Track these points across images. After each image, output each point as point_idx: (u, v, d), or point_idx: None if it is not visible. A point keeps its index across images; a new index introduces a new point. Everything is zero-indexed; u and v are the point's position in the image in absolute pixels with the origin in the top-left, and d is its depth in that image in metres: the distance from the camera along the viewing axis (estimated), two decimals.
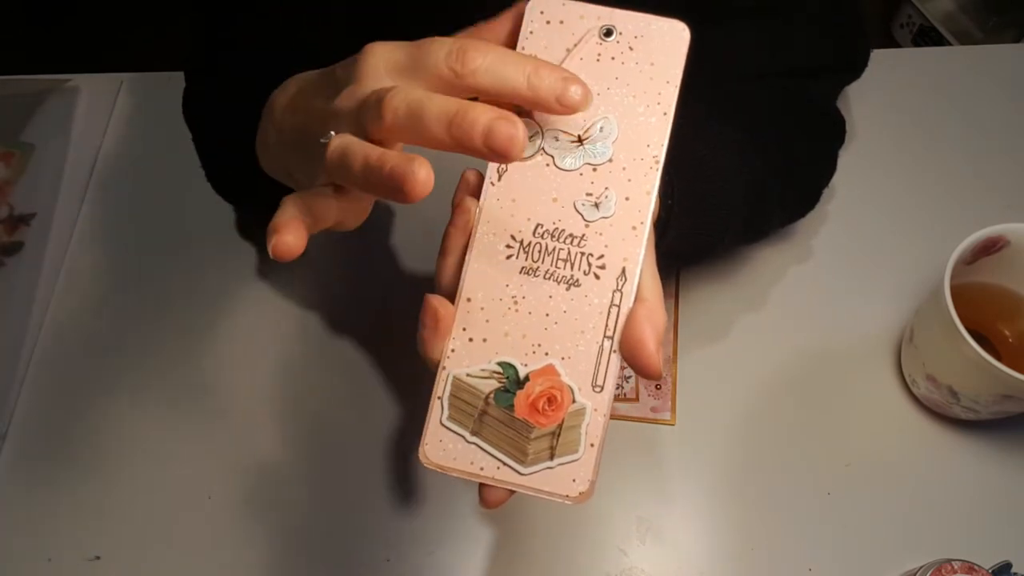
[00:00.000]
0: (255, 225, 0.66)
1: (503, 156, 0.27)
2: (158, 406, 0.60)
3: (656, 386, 0.57)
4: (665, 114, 0.31)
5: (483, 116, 0.27)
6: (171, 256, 0.66)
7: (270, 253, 0.30)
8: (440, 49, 0.29)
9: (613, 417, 0.57)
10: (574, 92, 0.29)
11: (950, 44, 1.45)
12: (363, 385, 0.59)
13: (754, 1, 0.53)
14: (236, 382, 0.60)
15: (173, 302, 0.64)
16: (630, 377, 0.58)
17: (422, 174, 0.27)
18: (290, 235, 0.30)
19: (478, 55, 0.29)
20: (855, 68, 0.57)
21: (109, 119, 0.73)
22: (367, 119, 0.30)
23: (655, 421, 0.57)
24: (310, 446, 0.58)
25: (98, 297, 0.65)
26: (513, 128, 0.27)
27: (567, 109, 0.29)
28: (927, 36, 1.50)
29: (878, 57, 0.58)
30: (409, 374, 0.59)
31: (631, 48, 0.31)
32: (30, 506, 0.57)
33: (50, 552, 0.55)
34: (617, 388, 0.58)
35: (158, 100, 0.74)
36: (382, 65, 0.31)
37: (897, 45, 1.57)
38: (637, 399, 0.57)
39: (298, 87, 0.38)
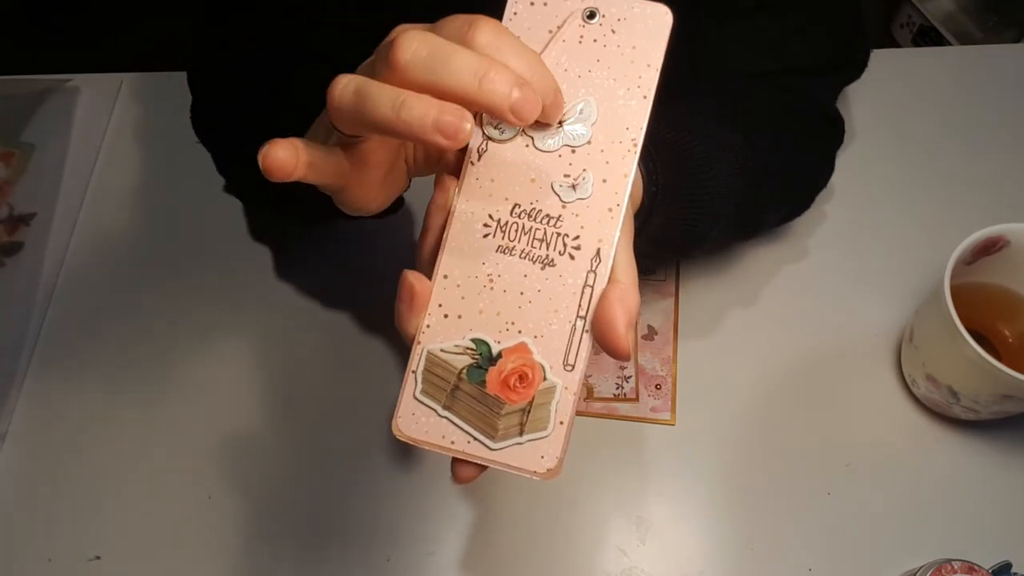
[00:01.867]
0: (270, 227, 0.66)
1: (522, 120, 0.28)
2: (158, 406, 0.60)
3: (656, 386, 0.57)
4: (645, 97, 0.31)
5: (511, 79, 0.27)
6: (171, 256, 0.66)
7: (260, 162, 0.29)
8: (455, 21, 0.29)
9: (613, 417, 0.57)
10: (554, 98, 0.30)
11: (950, 44, 1.45)
12: (364, 386, 0.59)
13: (754, 0, 0.53)
14: (236, 382, 0.60)
15: (173, 302, 0.64)
16: (630, 377, 0.58)
17: (468, 126, 0.27)
18: (281, 151, 0.29)
19: (490, 34, 0.29)
20: (855, 67, 0.57)
21: (109, 119, 0.73)
22: (379, 63, 0.29)
23: (655, 421, 0.57)
24: (310, 446, 0.58)
25: (98, 297, 0.65)
26: (535, 98, 0.28)
27: (545, 113, 0.30)
28: (927, 36, 1.50)
29: (878, 57, 0.58)
30: None
31: (613, 31, 0.32)
32: (30, 506, 0.57)
33: (50, 552, 0.55)
34: (617, 388, 0.58)
35: (158, 100, 0.74)
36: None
37: (897, 45, 1.57)
38: (637, 399, 0.57)
39: None
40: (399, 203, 0.51)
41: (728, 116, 0.50)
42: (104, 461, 0.58)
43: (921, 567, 0.48)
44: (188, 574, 0.54)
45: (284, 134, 0.47)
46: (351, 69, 0.60)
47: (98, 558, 0.55)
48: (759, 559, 0.52)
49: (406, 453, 0.57)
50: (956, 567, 0.46)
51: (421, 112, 0.27)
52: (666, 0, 0.32)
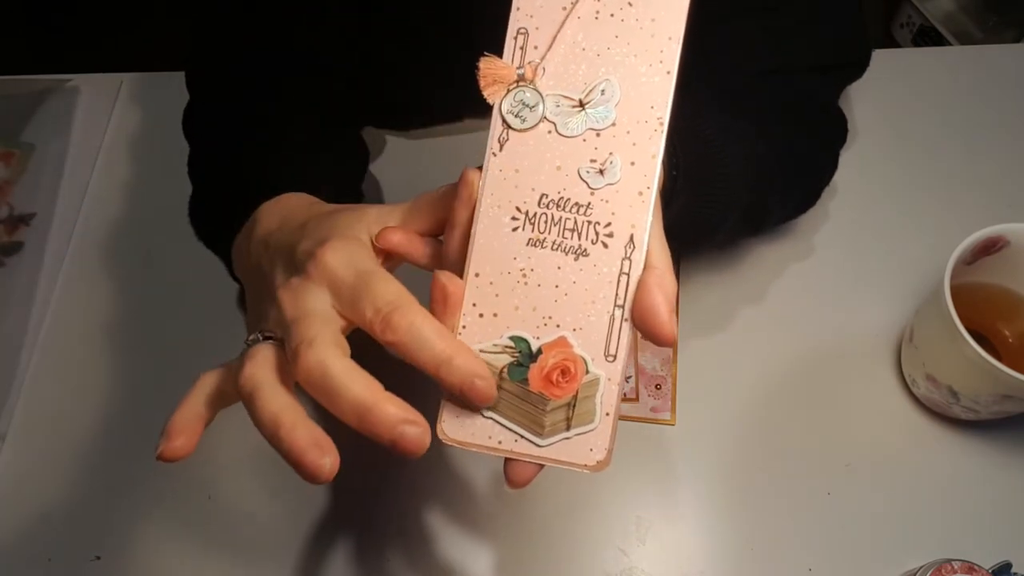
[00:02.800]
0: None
1: (409, 456, 0.29)
2: (158, 406, 0.60)
3: (656, 386, 0.57)
4: (668, 73, 0.30)
5: (392, 417, 0.29)
6: (171, 256, 0.66)
7: (156, 455, 0.32)
8: (373, 302, 0.31)
9: None
10: (479, 389, 0.30)
11: (950, 44, 1.45)
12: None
13: (756, 0, 0.53)
14: None
15: (174, 302, 0.64)
16: (630, 377, 0.58)
17: (327, 468, 0.29)
18: (181, 439, 0.32)
19: (400, 326, 0.30)
20: (857, 66, 0.57)
21: (109, 119, 0.73)
22: (287, 352, 0.31)
23: (655, 421, 0.57)
24: None
25: (98, 297, 0.65)
26: (420, 436, 0.29)
27: (472, 400, 0.30)
28: (927, 36, 1.50)
29: (878, 57, 0.58)
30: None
31: (631, 3, 0.30)
32: (30, 506, 0.57)
33: (50, 552, 0.55)
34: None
35: (158, 100, 0.74)
36: (327, 278, 0.32)
37: (897, 45, 1.57)
38: (637, 399, 0.57)
39: (280, 220, 0.40)
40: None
41: (735, 109, 0.50)
42: (104, 461, 0.58)
43: (921, 567, 0.48)
44: (188, 574, 0.54)
45: (279, 134, 0.48)
46: (349, 70, 0.60)
47: (98, 558, 0.55)
48: (759, 559, 0.52)
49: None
50: (956, 567, 0.46)
51: (287, 447, 0.29)
52: None
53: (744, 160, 0.47)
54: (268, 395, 0.30)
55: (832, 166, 0.57)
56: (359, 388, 0.29)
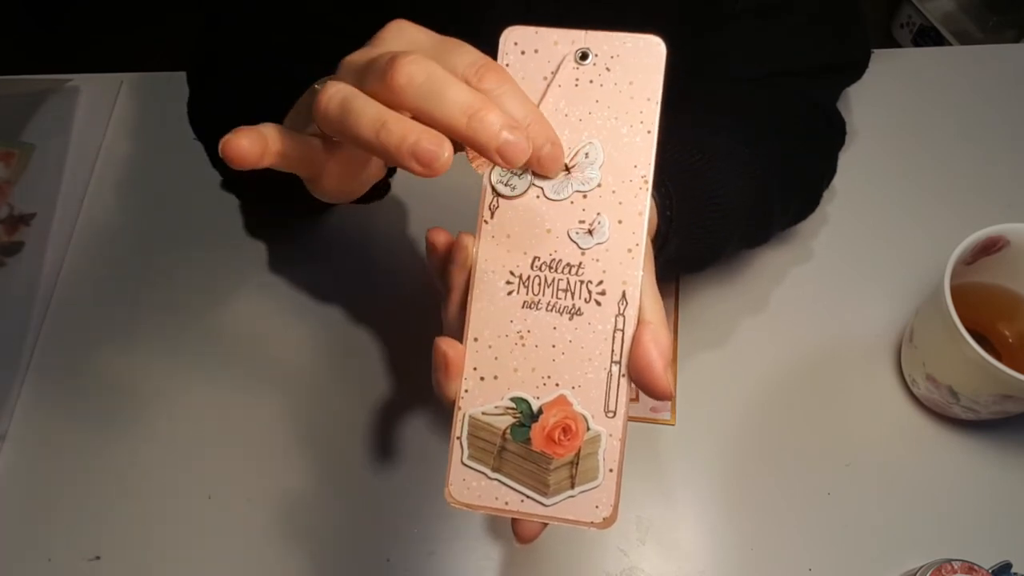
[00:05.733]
0: (268, 225, 0.66)
1: (508, 163, 0.28)
2: (158, 406, 0.60)
3: None
4: (649, 132, 0.31)
5: (501, 121, 0.28)
6: (171, 256, 0.66)
7: (220, 149, 0.29)
8: (465, 56, 0.30)
9: None
10: (551, 150, 0.30)
11: (950, 44, 1.45)
12: (364, 384, 0.59)
13: (754, 3, 0.53)
14: (236, 382, 0.60)
15: (173, 302, 0.64)
16: None
17: (443, 157, 0.27)
18: (245, 139, 0.29)
19: (495, 80, 0.29)
20: (856, 69, 0.57)
21: (109, 119, 0.73)
22: (372, 75, 0.29)
23: (655, 421, 0.57)
24: (310, 446, 0.58)
25: (98, 297, 0.65)
26: (523, 143, 0.28)
27: (542, 164, 0.30)
28: (927, 36, 1.50)
29: (878, 57, 0.58)
30: (411, 370, 0.59)
31: (608, 69, 0.31)
32: (30, 506, 0.57)
33: (50, 552, 0.55)
34: None
35: (158, 100, 0.74)
36: (404, 42, 0.31)
37: (897, 45, 1.57)
38: (637, 399, 0.57)
39: None
40: (385, 188, 0.51)
41: (732, 123, 0.50)
42: (104, 461, 0.58)
43: (921, 567, 0.48)
44: (188, 574, 0.54)
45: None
46: None
47: (98, 558, 0.55)
48: (759, 559, 0.52)
49: (406, 453, 0.57)
50: (956, 567, 0.46)
51: (399, 137, 0.27)
52: (667, 8, 0.32)
53: (742, 189, 0.47)
54: (363, 100, 0.28)
55: (831, 171, 0.57)
56: (467, 89, 0.28)
